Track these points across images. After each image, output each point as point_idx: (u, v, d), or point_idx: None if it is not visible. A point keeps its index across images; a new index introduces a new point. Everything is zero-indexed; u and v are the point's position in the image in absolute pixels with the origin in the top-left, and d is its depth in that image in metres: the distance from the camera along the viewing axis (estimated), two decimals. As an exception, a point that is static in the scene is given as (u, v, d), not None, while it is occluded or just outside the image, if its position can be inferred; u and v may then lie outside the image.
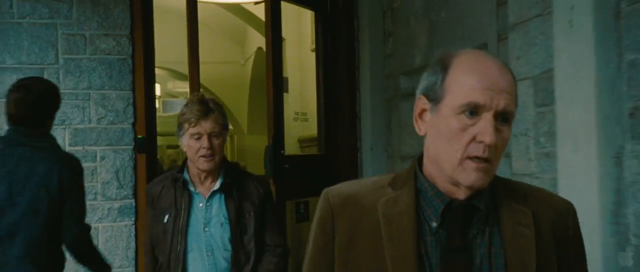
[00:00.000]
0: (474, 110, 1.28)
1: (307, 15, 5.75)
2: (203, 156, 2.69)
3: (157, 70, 5.29)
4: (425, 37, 3.93)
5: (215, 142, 2.69)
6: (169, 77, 12.06)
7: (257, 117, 10.44)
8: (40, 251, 2.82)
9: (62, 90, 4.31)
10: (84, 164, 3.26)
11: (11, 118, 2.92)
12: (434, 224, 1.34)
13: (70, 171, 2.89)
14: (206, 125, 2.67)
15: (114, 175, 4.49)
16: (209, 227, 2.72)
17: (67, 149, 4.27)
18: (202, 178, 2.77)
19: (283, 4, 4.65)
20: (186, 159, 2.80)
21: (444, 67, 1.32)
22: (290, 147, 6.38)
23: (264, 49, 8.57)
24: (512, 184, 1.43)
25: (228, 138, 3.99)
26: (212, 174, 2.76)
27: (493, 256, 1.34)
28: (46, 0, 4.43)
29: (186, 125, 2.69)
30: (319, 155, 5.15)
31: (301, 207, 4.85)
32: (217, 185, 2.76)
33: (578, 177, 2.27)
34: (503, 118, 1.30)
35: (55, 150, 2.96)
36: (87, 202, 3.12)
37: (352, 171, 4.94)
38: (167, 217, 2.72)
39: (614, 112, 2.16)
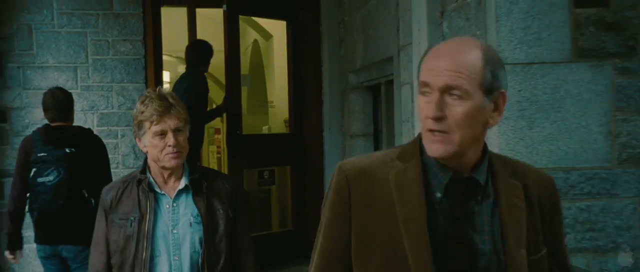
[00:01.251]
0: (426, 89, 1.43)
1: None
2: (170, 154, 2.51)
3: (167, 58, 6.66)
4: (362, 45, 5.25)
5: (180, 138, 2.51)
6: (178, 63, 13.38)
7: (254, 100, 11.69)
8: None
9: (90, 83, 5.76)
10: (108, 141, 4.63)
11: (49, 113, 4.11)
12: (438, 195, 1.47)
13: (101, 147, 4.17)
14: (170, 122, 2.49)
15: (131, 149, 5.85)
16: (176, 229, 2.54)
17: (96, 129, 5.63)
18: (166, 177, 2.58)
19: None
20: (146, 160, 2.62)
21: (423, 55, 1.49)
22: (278, 127, 7.76)
23: (259, 42, 9.94)
24: (503, 160, 1.57)
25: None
26: (175, 172, 2.58)
27: (491, 224, 1.48)
28: (79, 14, 5.77)
29: (147, 124, 2.50)
30: (289, 133, 6.51)
31: (265, 174, 6.21)
32: (182, 183, 2.58)
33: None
34: (451, 93, 1.41)
35: (87, 133, 4.20)
36: (111, 170, 4.38)
37: (317, 147, 6.27)
38: (130, 222, 2.53)
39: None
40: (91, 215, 2.91)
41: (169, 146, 2.51)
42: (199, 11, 6.23)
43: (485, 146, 1.53)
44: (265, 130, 8.91)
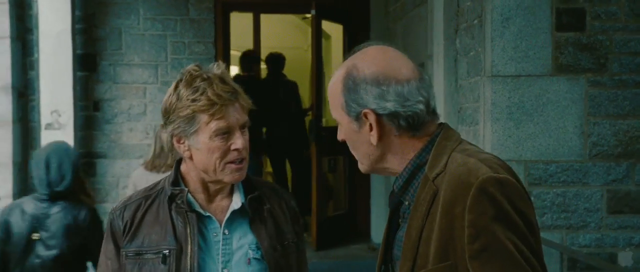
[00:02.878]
0: None
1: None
2: (234, 163, 1.82)
3: (234, 52, 7.62)
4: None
5: (246, 139, 1.84)
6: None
7: (306, 92, 12.44)
8: None
9: (169, 79, 6.69)
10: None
11: None
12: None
13: None
14: (237, 116, 1.80)
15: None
16: (229, 268, 1.85)
17: (173, 118, 6.56)
18: (212, 193, 1.89)
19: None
20: (178, 166, 1.91)
21: None
22: (333, 120, 8.57)
23: (321, 41, 10.78)
24: (441, 160, 1.44)
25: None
26: (227, 186, 1.89)
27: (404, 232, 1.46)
28: (161, 19, 6.71)
29: (205, 118, 1.78)
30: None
31: (331, 162, 7.02)
32: (236, 202, 1.88)
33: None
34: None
35: None
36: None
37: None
38: (162, 257, 1.81)
39: (453, 110, 4.21)
40: None
41: (236, 149, 1.80)
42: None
43: (426, 146, 1.48)
44: (323, 122, 9.75)
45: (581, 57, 3.62)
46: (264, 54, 7.71)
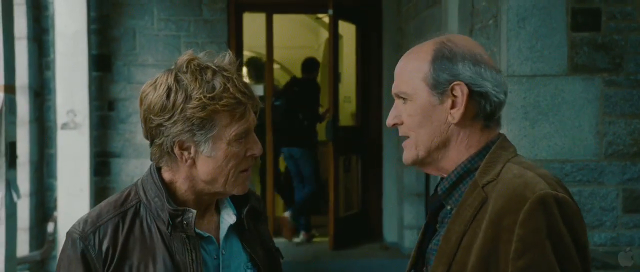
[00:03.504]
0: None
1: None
2: (245, 170, 1.58)
3: (246, 52, 7.70)
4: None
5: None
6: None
7: (325, 92, 12.56)
8: None
9: (184, 80, 6.70)
10: (200, 128, 5.56)
11: None
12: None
13: None
14: (252, 115, 1.56)
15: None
16: None
17: (187, 118, 6.61)
18: (204, 208, 1.63)
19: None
20: (160, 178, 1.58)
21: None
22: (345, 119, 8.62)
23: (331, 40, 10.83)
24: (495, 167, 1.38)
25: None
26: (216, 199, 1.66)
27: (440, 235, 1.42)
28: (174, 20, 6.75)
29: (225, 119, 1.52)
30: (356, 126, 7.36)
31: (346, 162, 7.06)
32: (229, 216, 1.64)
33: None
34: (400, 98, 1.45)
35: None
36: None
37: (377, 141, 7.08)
38: None
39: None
40: None
41: (252, 156, 1.57)
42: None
43: (481, 150, 1.43)
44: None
45: (596, 57, 3.63)
46: (275, 53, 7.76)
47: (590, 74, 3.64)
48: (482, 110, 1.41)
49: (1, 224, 3.45)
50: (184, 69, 1.54)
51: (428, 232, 1.47)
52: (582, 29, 3.63)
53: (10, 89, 3.70)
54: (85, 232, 1.52)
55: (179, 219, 1.53)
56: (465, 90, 1.40)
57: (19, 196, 3.77)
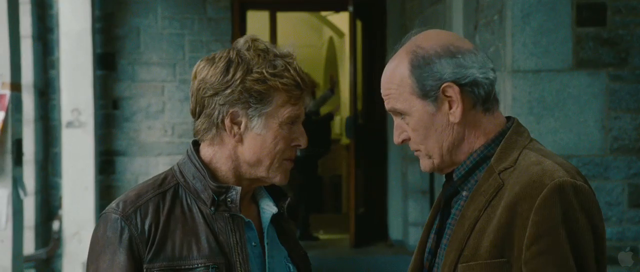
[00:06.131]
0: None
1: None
2: (290, 159, 1.53)
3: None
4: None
5: None
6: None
7: (341, 90, 12.49)
8: None
9: (187, 77, 6.74)
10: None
11: None
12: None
13: None
14: (304, 104, 1.54)
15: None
16: None
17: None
18: (243, 194, 1.52)
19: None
20: (198, 157, 1.51)
21: None
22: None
23: (334, 39, 10.91)
24: (511, 154, 1.38)
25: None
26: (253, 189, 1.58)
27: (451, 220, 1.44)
28: (178, 18, 6.77)
29: (282, 98, 1.49)
30: (361, 124, 7.39)
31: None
32: (270, 206, 1.58)
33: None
34: (396, 114, 1.43)
35: None
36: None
37: (381, 137, 7.09)
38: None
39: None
40: None
41: (297, 145, 1.53)
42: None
43: (497, 136, 1.43)
44: (337, 119, 9.82)
45: (602, 51, 3.63)
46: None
47: (596, 68, 3.64)
48: (478, 97, 1.41)
49: (8, 221, 3.46)
50: (246, 47, 1.50)
51: (444, 215, 1.46)
52: (587, 24, 3.63)
53: (16, 86, 3.71)
54: (126, 212, 1.45)
55: (222, 197, 1.47)
56: (455, 88, 1.39)
57: (25, 194, 3.79)
